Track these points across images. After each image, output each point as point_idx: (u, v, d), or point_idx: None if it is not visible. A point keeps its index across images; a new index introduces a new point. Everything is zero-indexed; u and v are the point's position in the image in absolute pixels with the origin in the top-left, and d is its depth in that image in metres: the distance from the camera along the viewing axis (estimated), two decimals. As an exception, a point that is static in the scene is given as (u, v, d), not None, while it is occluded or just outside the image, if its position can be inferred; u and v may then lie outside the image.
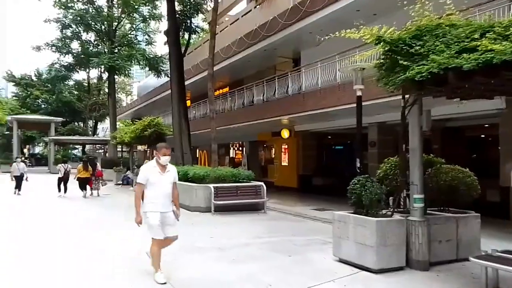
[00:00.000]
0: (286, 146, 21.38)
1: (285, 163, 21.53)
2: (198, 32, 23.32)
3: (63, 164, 17.43)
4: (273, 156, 23.81)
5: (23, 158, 23.01)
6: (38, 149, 70.30)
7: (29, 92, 51.30)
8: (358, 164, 8.26)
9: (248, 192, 12.89)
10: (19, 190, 17.62)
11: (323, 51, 16.24)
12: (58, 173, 17.40)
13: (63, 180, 17.00)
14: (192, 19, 20.78)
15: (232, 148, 30.41)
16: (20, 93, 52.80)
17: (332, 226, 6.87)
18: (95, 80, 54.55)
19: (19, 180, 17.63)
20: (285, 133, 20.26)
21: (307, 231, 9.49)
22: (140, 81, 61.78)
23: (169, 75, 18.68)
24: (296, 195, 18.22)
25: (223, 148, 32.79)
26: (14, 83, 52.54)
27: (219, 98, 24.07)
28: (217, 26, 29.28)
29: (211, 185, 12.37)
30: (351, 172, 20.19)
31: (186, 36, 20.94)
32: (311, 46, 17.74)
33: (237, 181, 13.50)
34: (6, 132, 42.88)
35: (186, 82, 20.82)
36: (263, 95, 17.72)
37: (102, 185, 17.85)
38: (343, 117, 15.44)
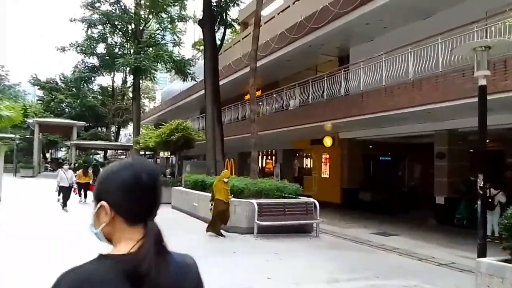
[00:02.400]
0: (328, 156, 18.97)
1: (325, 175, 19.10)
2: (234, 26, 21.28)
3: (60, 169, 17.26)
4: (311, 166, 21.43)
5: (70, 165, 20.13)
6: (60, 154, 70.01)
7: (53, 96, 50.61)
8: (480, 183, 5.75)
9: (297, 210, 10.59)
10: (65, 205, 14.38)
11: (375, 48, 13.95)
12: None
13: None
14: (228, 12, 18.71)
15: (261, 156, 28.14)
16: (44, 97, 52.20)
17: (476, 279, 4.42)
18: (119, 85, 53.67)
19: (66, 192, 14.40)
20: (327, 141, 17.87)
21: (389, 269, 7.09)
22: (163, 88, 60.70)
23: (203, 71, 16.69)
24: (341, 213, 15.77)
25: (250, 157, 30.60)
26: (39, 87, 52.01)
27: (246, 103, 21.92)
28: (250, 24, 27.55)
29: (254, 201, 10.13)
30: (408, 187, 17.56)
31: (221, 31, 18.86)
32: (364, 40, 15.46)
33: (282, 196, 11.27)
34: (28, 136, 41.90)
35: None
36: (308, 97, 15.41)
37: None
38: (408, 122, 13.01)
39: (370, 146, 18.65)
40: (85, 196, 16.49)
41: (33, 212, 13.69)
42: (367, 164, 18.93)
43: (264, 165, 27.76)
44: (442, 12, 12.24)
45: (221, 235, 9.75)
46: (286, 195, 11.26)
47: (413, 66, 10.69)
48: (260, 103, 19.69)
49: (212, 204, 9.95)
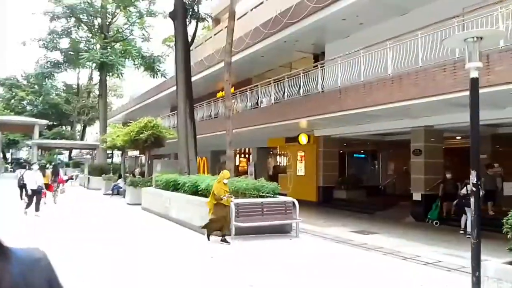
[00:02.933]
0: (303, 154, 18.71)
1: (301, 173, 18.83)
2: (206, 20, 20.58)
3: (20, 170, 16.72)
4: (285, 164, 21.14)
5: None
6: (22, 154, 66.74)
7: (13, 93, 48.02)
8: (473, 179, 5.47)
9: (276, 210, 10.13)
10: (27, 207, 12.65)
11: (352, 43, 13.77)
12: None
13: (21, 186, 15.47)
14: (200, 5, 18.04)
15: (235, 155, 27.59)
16: (4, 94, 49.41)
17: (482, 284, 4.10)
18: (85, 82, 51.65)
19: (36, 195, 12.56)
20: (303, 138, 17.56)
21: (381, 274, 6.76)
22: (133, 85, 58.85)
23: (175, 66, 15.91)
24: (318, 211, 15.54)
25: (223, 155, 29.97)
26: (-3, 84, 49.23)
27: (219, 100, 21.37)
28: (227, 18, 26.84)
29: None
30: (384, 185, 17.51)
31: (193, 25, 18.16)
32: (340, 37, 15.26)
33: (259, 195, 10.81)
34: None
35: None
36: (283, 94, 15.03)
37: (60, 193, 17.29)
38: (386, 119, 12.88)
39: (345, 144, 18.56)
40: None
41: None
42: (342, 161, 18.83)
43: (238, 163, 27.25)
44: (419, 9, 12.17)
45: (225, 241, 8.70)
46: (263, 194, 10.83)
47: (392, 62, 10.52)
48: (233, 101, 19.15)
49: (210, 210, 8.92)
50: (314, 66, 14.41)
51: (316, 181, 17.77)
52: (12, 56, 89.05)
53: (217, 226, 8.80)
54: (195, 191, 10.99)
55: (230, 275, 6.27)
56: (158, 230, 10.72)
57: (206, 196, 10.36)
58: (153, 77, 31.19)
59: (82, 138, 52.55)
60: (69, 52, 29.90)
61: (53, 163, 20.70)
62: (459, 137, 15.25)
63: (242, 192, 10.55)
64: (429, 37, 9.56)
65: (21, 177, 15.24)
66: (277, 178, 21.26)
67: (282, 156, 22.28)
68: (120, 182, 20.79)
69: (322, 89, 13.56)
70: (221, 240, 8.70)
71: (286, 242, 8.95)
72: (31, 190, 12.42)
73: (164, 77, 30.19)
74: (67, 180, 26.23)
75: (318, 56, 17.33)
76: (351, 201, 16.75)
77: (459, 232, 10.79)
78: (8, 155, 58.66)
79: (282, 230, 10.16)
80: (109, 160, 35.18)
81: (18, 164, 36.41)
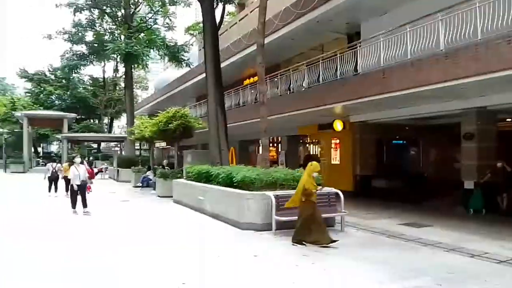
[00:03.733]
0: (338, 141, 17.75)
1: (336, 161, 17.90)
2: (234, 2, 19.76)
3: (51, 163, 17.08)
4: (317, 153, 20.24)
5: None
6: (53, 148, 68.31)
7: (42, 88, 48.78)
8: None
9: (319, 202, 9.31)
10: (85, 205, 11.74)
11: (390, 21, 12.65)
12: (47, 173, 16.62)
13: (52, 179, 16.43)
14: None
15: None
16: (33, 89, 50.28)
17: None
18: (110, 75, 51.92)
19: (81, 191, 11.65)
20: (338, 125, 16.57)
21: (445, 271, 5.89)
22: (156, 77, 58.88)
23: (204, 52, 15.25)
24: (357, 202, 14.52)
25: (252, 145, 29.36)
26: (26, 79, 50.06)
27: (247, 88, 20.61)
28: (252, 2, 25.95)
29: (271, 193, 8.90)
30: (428, 172, 16.37)
31: (220, 8, 17.36)
32: (377, 14, 14.12)
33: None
34: (17, 130, 40.29)
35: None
36: (318, 77, 14.10)
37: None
38: (433, 101, 11.79)
39: (383, 130, 17.47)
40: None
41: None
42: (380, 148, 17.77)
43: (266, 153, 26.54)
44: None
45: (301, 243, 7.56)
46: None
47: (444, 36, 9.43)
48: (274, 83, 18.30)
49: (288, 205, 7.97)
50: (350, 47, 13.35)
51: (352, 169, 16.80)
52: (39, 51, 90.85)
53: (308, 230, 7.57)
54: (229, 183, 10.32)
55: (278, 276, 5.57)
56: (195, 226, 10.16)
57: (241, 188, 9.72)
58: (178, 67, 30.73)
59: (109, 131, 53.04)
60: (94, 44, 29.74)
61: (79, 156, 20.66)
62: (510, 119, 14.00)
63: (280, 184, 9.85)
64: (489, 6, 8.46)
65: (54, 170, 16.48)
66: (309, 167, 20.34)
67: (314, 144, 21.35)
68: (150, 174, 20.46)
69: (360, 70, 12.57)
70: (296, 243, 7.53)
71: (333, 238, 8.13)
72: (76, 185, 11.47)
73: (189, 66, 29.64)
74: (96, 173, 26.29)
75: (353, 37, 16.21)
76: (391, 191, 15.74)
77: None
78: (40, 149, 60.00)
79: (325, 224, 9.40)
80: (137, 153, 35.19)
81: (49, 157, 36.96)
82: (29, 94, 50.58)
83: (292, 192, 9.47)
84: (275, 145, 25.49)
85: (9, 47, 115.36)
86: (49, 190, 16.42)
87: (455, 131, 13.67)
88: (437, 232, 9.07)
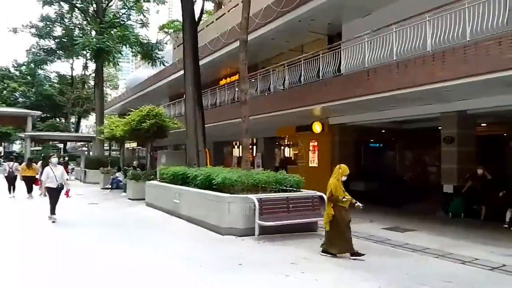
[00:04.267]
0: (316, 144, 17.47)
1: (314, 164, 17.59)
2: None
3: (8, 163, 16.45)
4: (294, 155, 19.93)
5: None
6: (15, 147, 65.15)
7: (5, 85, 46.30)
8: None
9: (302, 206, 9.01)
10: (53, 212, 10.29)
11: (372, 22, 12.50)
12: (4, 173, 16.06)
13: (9, 179, 15.70)
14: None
15: (237, 146, 26.37)
16: (-5, 85, 47.68)
17: None
18: (79, 73, 49.93)
19: (55, 194, 10.22)
20: (317, 127, 16.31)
21: (441, 280, 5.59)
22: (127, 77, 57.29)
23: (183, 48, 14.59)
24: (336, 205, 14.36)
25: (227, 147, 28.81)
26: (-12, 75, 47.42)
27: (225, 87, 20.08)
28: (230, 1, 25.38)
29: (253, 196, 8.43)
30: (407, 176, 16.33)
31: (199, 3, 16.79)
32: (359, 14, 13.94)
33: (281, 189, 9.68)
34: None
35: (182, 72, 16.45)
36: (300, 77, 13.76)
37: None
38: (413, 104, 11.69)
39: (362, 132, 17.38)
40: (30, 190, 15.45)
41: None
42: (359, 151, 17.65)
43: (241, 154, 26.06)
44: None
45: (359, 254, 6.81)
46: (286, 188, 9.70)
47: (431, 37, 9.28)
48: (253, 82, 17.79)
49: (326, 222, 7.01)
50: (333, 47, 13.08)
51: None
52: (3, 45, 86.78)
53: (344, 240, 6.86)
54: (208, 185, 9.76)
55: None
56: (170, 230, 9.53)
57: (221, 190, 9.18)
58: (152, 65, 29.74)
59: (77, 130, 51.04)
60: (63, 39, 28.38)
61: (44, 157, 19.75)
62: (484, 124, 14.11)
63: (262, 186, 9.41)
64: (478, 6, 8.34)
65: (11, 170, 15.70)
66: (286, 170, 20.04)
67: (291, 146, 21.06)
68: (120, 175, 19.52)
69: (343, 71, 12.31)
70: (352, 255, 6.75)
71: (318, 243, 7.73)
72: (51, 189, 10.09)
73: (163, 64, 28.75)
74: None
75: (333, 38, 16.03)
76: (370, 194, 15.57)
77: (502, 227, 9.76)
78: (1, 149, 57.05)
79: (309, 229, 9.04)
80: (106, 153, 33.82)
81: (7, 157, 34.67)
82: (-10, 91, 47.92)
83: (275, 195, 9.12)
84: (251, 146, 25.04)
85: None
86: (9, 191, 15.70)
87: (434, 134, 13.67)
88: (422, 237, 8.86)
